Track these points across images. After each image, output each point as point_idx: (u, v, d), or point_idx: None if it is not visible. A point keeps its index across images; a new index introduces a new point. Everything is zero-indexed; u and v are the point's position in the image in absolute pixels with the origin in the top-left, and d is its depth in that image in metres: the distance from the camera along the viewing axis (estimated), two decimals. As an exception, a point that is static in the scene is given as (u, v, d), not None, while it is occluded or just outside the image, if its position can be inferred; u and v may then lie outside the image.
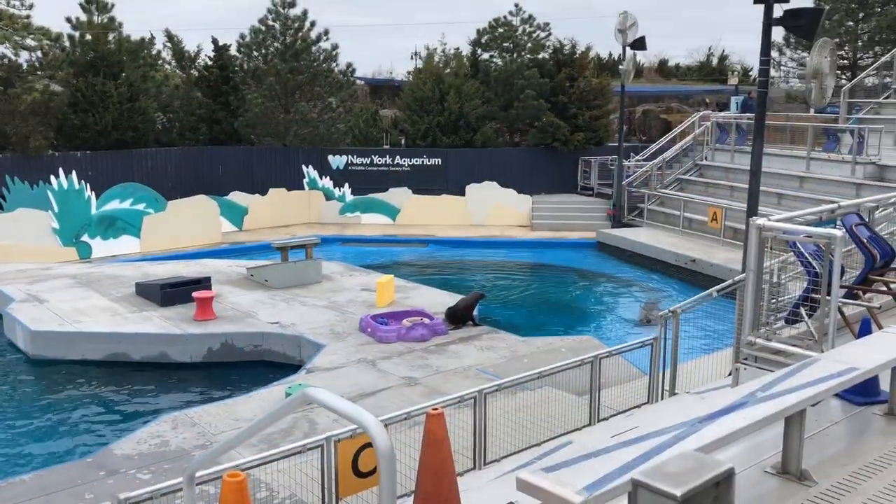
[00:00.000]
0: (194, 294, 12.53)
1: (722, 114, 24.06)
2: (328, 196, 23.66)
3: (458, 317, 12.02)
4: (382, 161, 23.72)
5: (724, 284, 7.99)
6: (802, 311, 6.00)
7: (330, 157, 23.60)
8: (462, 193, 23.65)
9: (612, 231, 20.84)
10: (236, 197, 22.31)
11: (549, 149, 24.54)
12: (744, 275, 6.60)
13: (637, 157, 24.03)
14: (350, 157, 23.66)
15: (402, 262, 19.52)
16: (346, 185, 23.62)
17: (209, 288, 13.39)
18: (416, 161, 23.73)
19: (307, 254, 15.21)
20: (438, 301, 13.51)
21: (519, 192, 23.60)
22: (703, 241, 18.72)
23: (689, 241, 18.99)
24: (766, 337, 6.22)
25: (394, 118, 26.54)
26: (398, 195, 23.54)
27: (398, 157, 23.72)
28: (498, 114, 25.36)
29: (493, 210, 23.47)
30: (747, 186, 13.55)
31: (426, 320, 11.77)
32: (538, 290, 16.77)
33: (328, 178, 23.63)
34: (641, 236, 19.72)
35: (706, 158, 22.85)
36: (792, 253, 6.26)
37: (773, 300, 6.36)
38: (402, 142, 24.68)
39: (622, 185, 22.26)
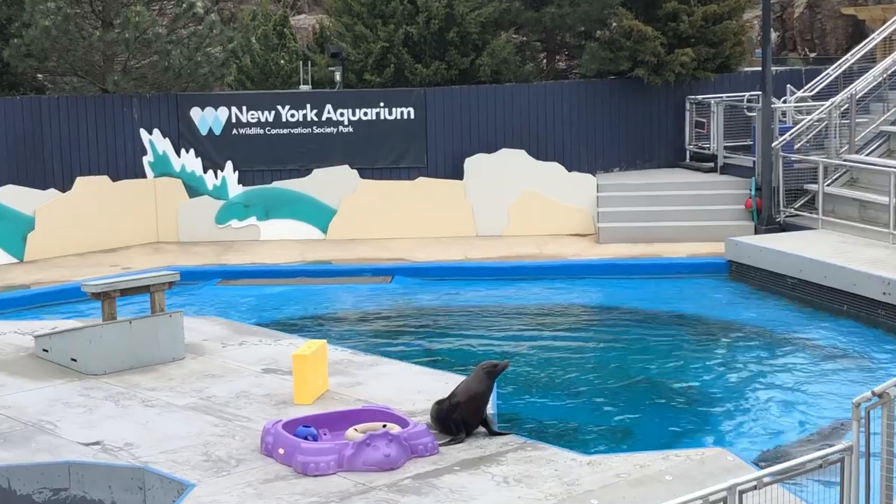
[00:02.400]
0: (-70, 392, 12.41)
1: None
2: (193, 188, 23.72)
3: (456, 419, 11.94)
4: (299, 116, 23.78)
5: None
6: None
7: (195, 112, 23.70)
8: (458, 176, 23.76)
9: (757, 240, 20.84)
10: (10, 196, 22.32)
11: (626, 82, 24.60)
12: None
13: (801, 93, 24.01)
14: (235, 109, 23.76)
15: (343, 315, 19.45)
16: (229, 164, 23.72)
17: (-40, 378, 13.29)
18: (367, 114, 23.81)
19: (154, 304, 15.11)
20: (416, 388, 13.43)
21: (570, 170, 23.68)
22: (936, 255, 18.78)
23: (909, 254, 19.05)
24: None
25: (318, 32, 26.52)
26: (333, 182, 23.61)
27: (330, 107, 23.81)
28: (523, 16, 25.48)
29: (519, 205, 23.57)
30: None
31: (394, 428, 11.59)
32: (614, 361, 16.67)
33: (192, 152, 23.71)
34: (813, 248, 19.71)
35: (937, 91, 23.05)
36: None
37: None
38: (337, 77, 24.71)
39: (773, 150, 22.34)
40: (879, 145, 22.81)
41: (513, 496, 10.49)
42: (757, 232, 21.92)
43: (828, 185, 21.90)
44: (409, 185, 23.76)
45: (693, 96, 24.88)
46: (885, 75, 23.40)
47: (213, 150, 23.71)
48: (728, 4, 25.15)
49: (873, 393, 8.23)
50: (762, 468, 8.90)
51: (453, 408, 11.96)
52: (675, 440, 13.25)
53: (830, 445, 8.56)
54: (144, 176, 23.57)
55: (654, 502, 7.66)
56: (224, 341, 15.87)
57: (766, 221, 22.24)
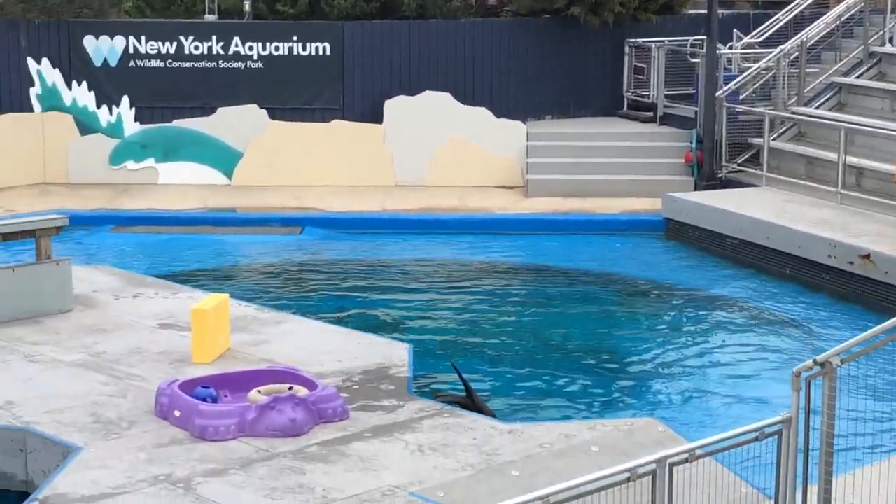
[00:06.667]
0: None
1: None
2: (85, 125, 23.55)
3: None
4: (203, 49, 23.66)
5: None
6: None
7: (89, 41, 23.48)
8: (378, 119, 23.73)
9: (696, 197, 21.08)
10: None
11: (561, 22, 24.62)
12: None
13: (748, 39, 24.23)
14: (133, 39, 23.57)
15: (249, 268, 19.48)
16: (125, 99, 23.56)
17: None
18: (278, 49, 23.73)
19: (39, 251, 15.02)
20: (326, 348, 13.47)
21: (499, 116, 23.74)
22: (887, 216, 19.02)
23: (856, 216, 19.24)
24: None
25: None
26: (239, 123, 23.51)
27: (238, 38, 23.70)
28: (453, -54, 25.40)
29: (443, 153, 23.61)
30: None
31: (301, 390, 11.63)
32: (539, 323, 16.81)
33: (85, 84, 23.50)
34: (756, 207, 19.93)
35: (892, 41, 23.26)
36: None
37: None
38: (246, 7, 24.54)
39: (716, 100, 22.51)
40: (830, 97, 23.00)
41: (427, 465, 10.55)
42: (697, 188, 22.11)
43: (774, 139, 22.09)
44: (324, 128, 23.65)
45: (633, 39, 24.95)
46: (838, 22, 23.54)
47: (108, 84, 23.46)
48: (672, -60, 25.30)
49: (815, 362, 8.30)
50: (694, 440, 8.90)
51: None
52: (603, 409, 13.38)
53: (768, 416, 8.63)
54: (31, 110, 23.35)
55: (578, 474, 7.71)
56: (117, 293, 15.76)
57: (706, 177, 22.42)
